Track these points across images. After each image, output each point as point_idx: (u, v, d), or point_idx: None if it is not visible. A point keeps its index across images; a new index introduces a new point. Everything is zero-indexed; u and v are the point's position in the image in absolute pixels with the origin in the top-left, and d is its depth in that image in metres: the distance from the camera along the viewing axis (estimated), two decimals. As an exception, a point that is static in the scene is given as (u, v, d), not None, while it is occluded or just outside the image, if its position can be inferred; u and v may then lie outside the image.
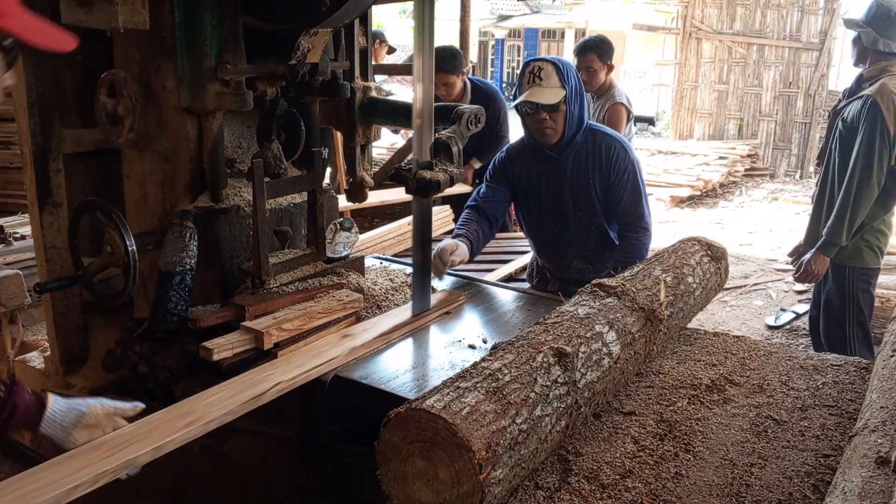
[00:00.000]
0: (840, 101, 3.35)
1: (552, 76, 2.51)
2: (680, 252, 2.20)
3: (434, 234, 3.77)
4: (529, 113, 2.58)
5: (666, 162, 9.99)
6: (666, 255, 2.18)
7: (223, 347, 1.83)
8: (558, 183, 2.68)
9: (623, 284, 1.90)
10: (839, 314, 3.29)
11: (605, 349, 1.67)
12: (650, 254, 2.44)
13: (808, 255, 3.32)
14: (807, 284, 4.49)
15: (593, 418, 1.67)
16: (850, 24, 3.30)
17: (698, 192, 8.92)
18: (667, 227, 7.33)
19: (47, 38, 1.21)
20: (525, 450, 1.37)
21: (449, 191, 2.23)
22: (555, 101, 2.51)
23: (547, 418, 1.43)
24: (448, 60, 4.21)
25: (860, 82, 3.24)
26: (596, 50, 4.18)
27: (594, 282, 1.94)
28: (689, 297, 2.08)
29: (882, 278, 3.59)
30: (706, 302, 2.28)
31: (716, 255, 2.28)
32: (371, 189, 2.58)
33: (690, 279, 2.11)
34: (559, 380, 1.50)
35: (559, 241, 2.79)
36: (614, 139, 2.67)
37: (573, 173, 2.65)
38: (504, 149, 2.89)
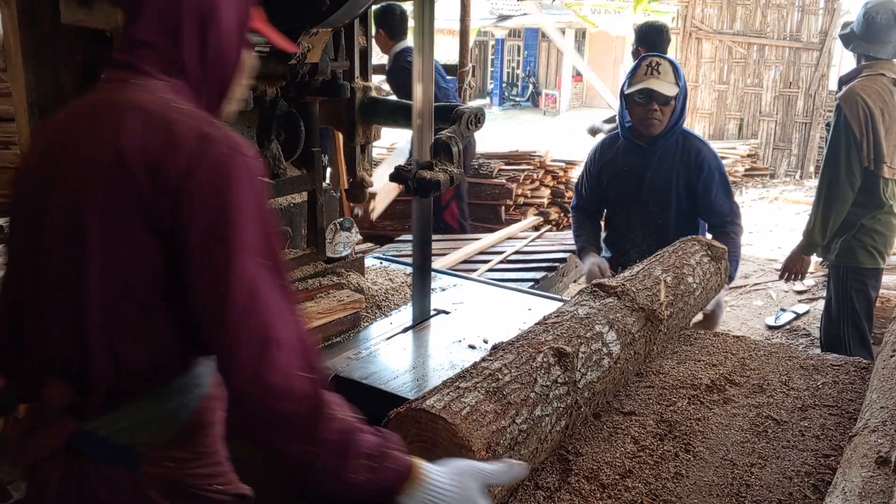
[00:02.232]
0: None
1: (669, 72, 2.68)
2: (680, 252, 2.20)
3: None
4: (640, 102, 2.70)
5: (666, 162, 9.97)
6: (666, 255, 2.18)
7: (223, 347, 1.83)
8: (641, 173, 2.83)
9: (623, 284, 1.90)
10: (835, 314, 3.30)
11: (605, 349, 1.67)
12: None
13: (789, 254, 3.37)
14: (800, 283, 4.53)
15: (593, 418, 1.67)
16: (843, 27, 3.38)
17: (698, 192, 8.90)
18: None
19: (280, 41, 1.35)
20: (525, 450, 1.37)
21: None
22: (671, 94, 2.66)
23: (547, 418, 1.43)
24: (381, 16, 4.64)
25: (840, 85, 3.31)
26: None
27: (594, 282, 1.95)
28: (689, 297, 2.08)
29: (882, 278, 3.58)
30: (706, 302, 2.28)
31: (716, 255, 2.28)
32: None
33: (690, 279, 2.11)
34: (559, 380, 1.50)
35: (626, 228, 2.94)
36: (703, 144, 2.84)
37: (657, 166, 2.80)
38: (596, 145, 3.06)
